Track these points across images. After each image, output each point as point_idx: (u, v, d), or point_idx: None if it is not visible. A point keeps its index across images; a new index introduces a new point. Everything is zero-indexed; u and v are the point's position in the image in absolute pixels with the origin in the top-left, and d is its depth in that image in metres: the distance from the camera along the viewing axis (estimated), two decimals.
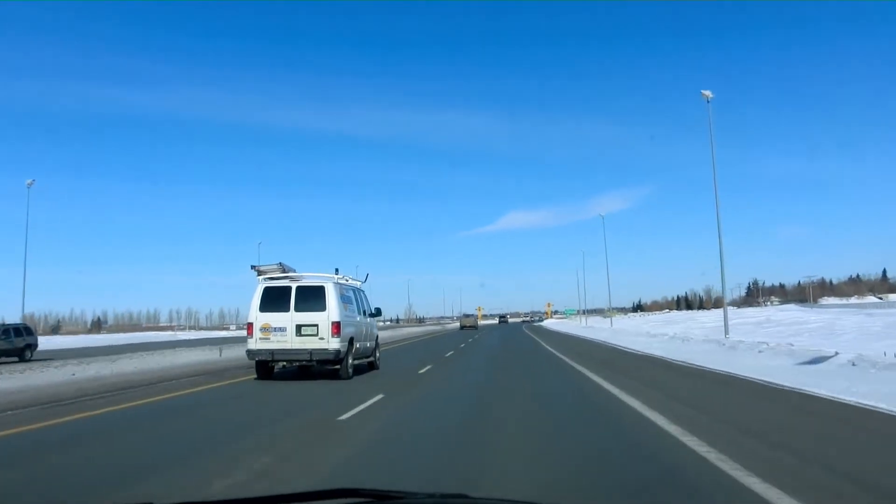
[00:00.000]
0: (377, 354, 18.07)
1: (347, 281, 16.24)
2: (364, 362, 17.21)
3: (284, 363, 14.81)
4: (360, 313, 16.26)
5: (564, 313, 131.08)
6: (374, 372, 16.92)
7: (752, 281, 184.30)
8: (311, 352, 14.22)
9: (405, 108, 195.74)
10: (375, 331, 18.18)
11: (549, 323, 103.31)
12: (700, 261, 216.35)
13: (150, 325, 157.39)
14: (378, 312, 18.27)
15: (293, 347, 14.36)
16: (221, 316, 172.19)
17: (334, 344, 14.30)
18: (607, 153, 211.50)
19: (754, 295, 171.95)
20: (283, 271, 15.42)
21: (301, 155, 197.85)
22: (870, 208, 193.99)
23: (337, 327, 14.35)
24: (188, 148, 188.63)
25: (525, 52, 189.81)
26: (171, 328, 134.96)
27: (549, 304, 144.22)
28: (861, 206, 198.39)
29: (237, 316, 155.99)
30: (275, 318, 14.47)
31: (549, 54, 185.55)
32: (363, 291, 17.60)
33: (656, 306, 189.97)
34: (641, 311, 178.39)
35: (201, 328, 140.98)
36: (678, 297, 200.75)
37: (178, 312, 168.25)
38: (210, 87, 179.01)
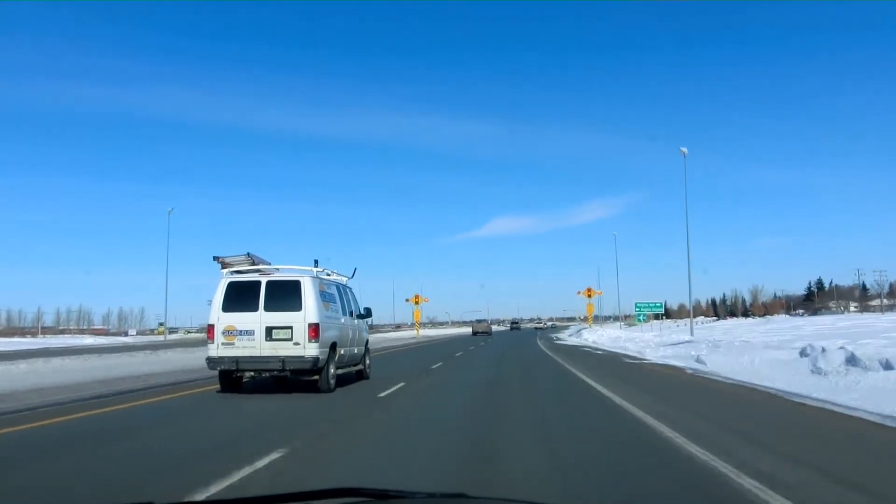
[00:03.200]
0: (367, 361, 15.63)
1: (330, 275, 13.79)
2: (351, 371, 14.79)
3: (252, 373, 12.33)
4: (345, 314, 13.82)
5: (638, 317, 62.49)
6: (363, 383, 14.48)
7: (815, 281, 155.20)
8: (283, 360, 11.79)
9: (394, 112, 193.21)
10: (365, 334, 15.74)
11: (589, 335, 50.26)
12: (700, 261, 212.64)
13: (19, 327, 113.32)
14: (368, 313, 15.82)
15: (262, 354, 11.92)
16: (121, 317, 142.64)
17: (312, 350, 11.87)
18: (599, 160, 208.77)
19: (816, 297, 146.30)
20: (253, 263, 13.02)
21: (286, 157, 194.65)
22: None
23: (315, 330, 11.93)
24: (178, 148, 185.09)
25: (517, 59, 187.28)
26: (62, 331, 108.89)
27: (590, 307, 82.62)
28: None
29: (141, 318, 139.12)
30: (240, 320, 12.04)
31: (542, 61, 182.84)
32: (350, 289, 15.16)
33: (684, 311, 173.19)
34: (668, 317, 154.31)
35: (96, 331, 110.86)
36: (713, 300, 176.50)
37: (68, 312, 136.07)
38: (195, 89, 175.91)
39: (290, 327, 11.93)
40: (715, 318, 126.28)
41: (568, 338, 50.89)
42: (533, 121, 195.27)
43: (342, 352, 13.30)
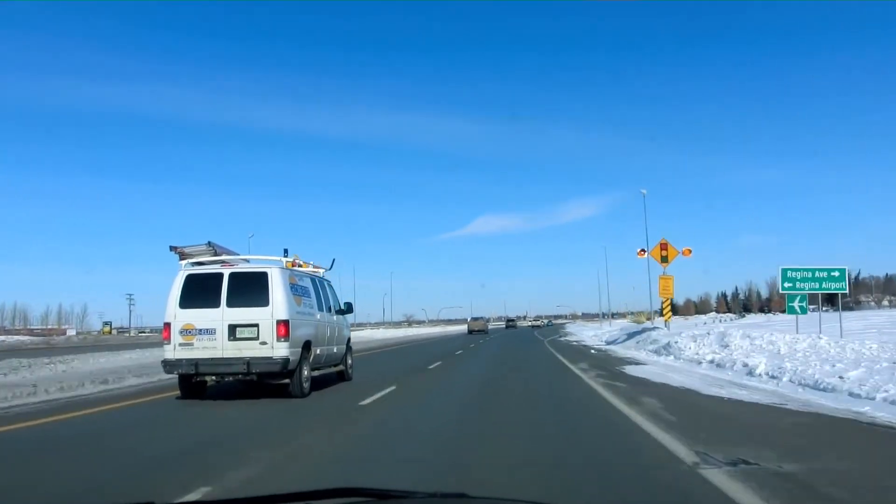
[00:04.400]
0: (349, 362, 14.25)
1: (303, 266, 12.38)
2: (331, 372, 13.43)
3: (213, 378, 10.92)
4: (321, 309, 12.42)
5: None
6: (344, 386, 13.10)
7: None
8: (248, 361, 10.38)
9: (383, 110, 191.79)
10: (346, 332, 14.34)
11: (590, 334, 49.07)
12: (701, 260, 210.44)
13: None
14: (348, 308, 14.41)
15: (224, 356, 10.51)
16: (61, 315, 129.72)
17: (281, 350, 10.48)
18: (587, 158, 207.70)
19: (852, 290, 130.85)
20: (215, 254, 11.61)
21: (272, 155, 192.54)
22: None
23: (285, 328, 10.54)
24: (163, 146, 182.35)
25: (506, 58, 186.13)
26: None
27: (667, 282, 56.25)
28: None
29: (83, 317, 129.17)
30: (200, 317, 10.63)
31: (531, 61, 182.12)
32: (328, 282, 13.77)
33: (691, 307, 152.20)
34: (675, 312, 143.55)
35: (32, 331, 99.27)
36: (723, 294, 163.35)
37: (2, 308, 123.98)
38: (185, 86, 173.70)
39: (256, 325, 10.53)
40: (731, 315, 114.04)
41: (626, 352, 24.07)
42: (519, 119, 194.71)
43: (318, 351, 11.92)
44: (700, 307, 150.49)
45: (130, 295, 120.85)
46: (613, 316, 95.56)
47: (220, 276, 10.84)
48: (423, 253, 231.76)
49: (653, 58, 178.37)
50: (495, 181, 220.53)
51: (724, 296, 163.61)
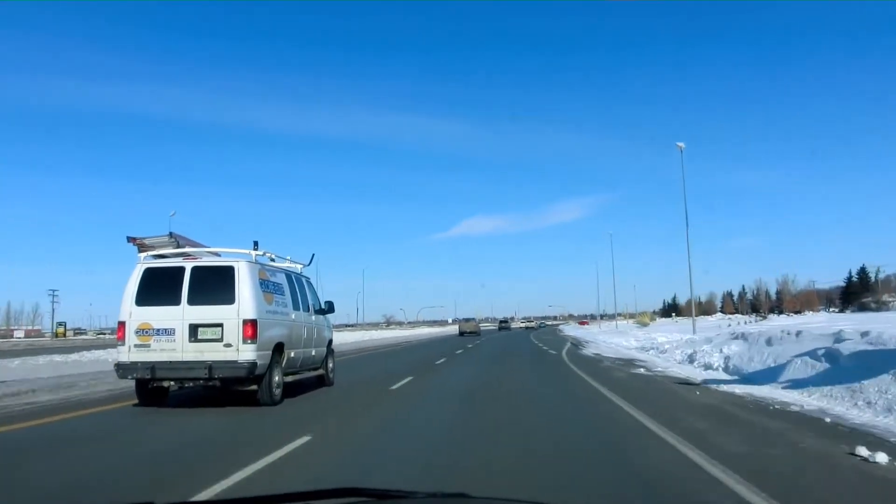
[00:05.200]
0: (330, 365, 13.19)
1: (274, 260, 11.31)
2: (310, 377, 12.41)
3: (172, 383, 9.85)
4: (297, 308, 11.37)
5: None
6: (322, 394, 12.05)
7: (856, 269, 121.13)
8: (210, 365, 9.33)
9: (377, 111, 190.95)
10: (327, 333, 13.29)
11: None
12: (701, 258, 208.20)
13: None
14: (330, 308, 13.35)
15: (185, 359, 9.46)
16: (10, 315, 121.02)
17: (247, 353, 9.43)
18: (576, 159, 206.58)
19: (863, 288, 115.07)
20: (177, 246, 10.55)
21: (257, 154, 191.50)
22: None
23: (252, 328, 9.49)
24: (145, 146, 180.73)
25: (503, 59, 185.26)
26: None
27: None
28: None
29: (34, 317, 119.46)
30: (158, 315, 9.59)
31: (527, 62, 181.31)
32: (307, 279, 12.72)
33: (689, 307, 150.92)
34: (678, 314, 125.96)
35: None
36: (729, 293, 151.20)
37: None
38: (183, 86, 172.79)
39: (221, 325, 9.49)
40: (745, 316, 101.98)
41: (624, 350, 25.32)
42: (508, 120, 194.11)
43: (292, 354, 10.87)
44: (705, 307, 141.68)
45: (54, 291, 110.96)
46: (608, 317, 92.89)
47: (182, 270, 9.79)
48: (409, 253, 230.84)
49: (648, 59, 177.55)
50: (483, 182, 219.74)
51: (730, 295, 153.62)
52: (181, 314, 9.54)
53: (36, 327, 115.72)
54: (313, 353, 12.11)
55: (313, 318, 12.25)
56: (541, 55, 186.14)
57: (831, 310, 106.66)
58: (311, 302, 12.33)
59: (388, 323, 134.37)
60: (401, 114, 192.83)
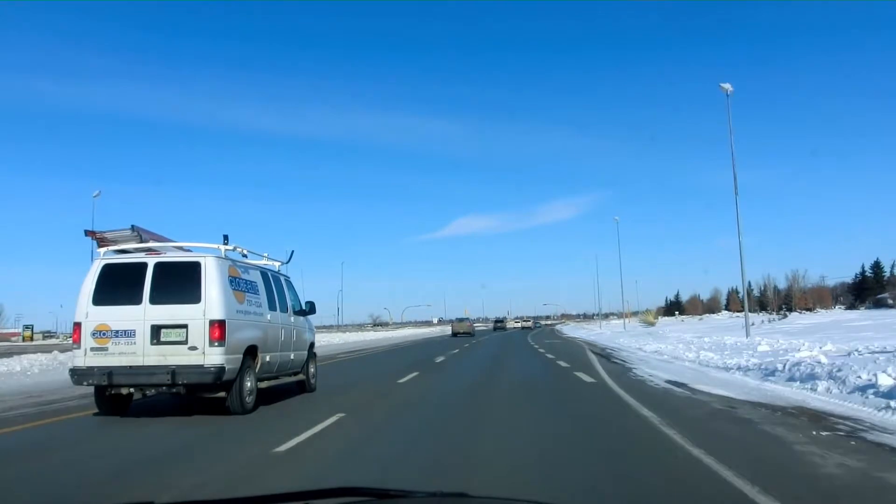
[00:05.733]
0: (311, 370, 12.35)
1: (247, 256, 10.44)
2: (290, 382, 11.60)
3: (131, 390, 8.99)
4: (274, 308, 10.53)
5: None
6: (302, 401, 11.21)
7: (871, 263, 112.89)
8: (173, 370, 8.49)
9: (361, 111, 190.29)
10: (308, 336, 12.45)
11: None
12: (700, 257, 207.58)
13: None
14: (311, 308, 12.51)
15: (145, 363, 8.62)
16: None
17: (214, 357, 8.60)
18: (566, 159, 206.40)
19: (877, 284, 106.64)
20: (141, 240, 9.72)
21: (245, 154, 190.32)
22: None
23: (220, 329, 8.66)
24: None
25: (487, 60, 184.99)
26: None
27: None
28: None
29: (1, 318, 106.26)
30: (117, 316, 8.75)
31: (509, 61, 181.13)
32: (286, 278, 11.88)
33: (695, 305, 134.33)
34: (680, 312, 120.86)
35: None
36: (734, 290, 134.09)
37: None
38: (162, 87, 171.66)
39: (185, 325, 8.66)
40: (764, 315, 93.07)
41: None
42: (497, 120, 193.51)
43: (268, 358, 10.04)
44: (710, 305, 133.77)
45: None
46: (601, 316, 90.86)
47: (144, 266, 8.96)
48: (401, 253, 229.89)
49: (638, 59, 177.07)
50: (475, 182, 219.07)
51: (736, 292, 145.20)
52: (142, 314, 8.71)
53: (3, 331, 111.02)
54: (292, 356, 11.28)
55: (292, 319, 11.42)
56: (535, 55, 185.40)
57: (837, 307, 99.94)
58: (290, 302, 11.50)
59: (375, 324, 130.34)
60: (391, 113, 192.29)
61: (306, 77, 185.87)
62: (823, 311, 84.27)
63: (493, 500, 2.33)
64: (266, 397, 10.41)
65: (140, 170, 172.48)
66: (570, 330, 72.64)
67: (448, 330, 68.84)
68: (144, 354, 8.62)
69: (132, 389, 8.83)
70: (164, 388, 8.67)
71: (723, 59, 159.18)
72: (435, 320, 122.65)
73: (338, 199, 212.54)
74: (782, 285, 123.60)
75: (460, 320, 65.96)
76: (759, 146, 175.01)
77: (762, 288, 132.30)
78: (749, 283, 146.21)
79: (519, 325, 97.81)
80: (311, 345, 12.59)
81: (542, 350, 28.01)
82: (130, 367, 8.59)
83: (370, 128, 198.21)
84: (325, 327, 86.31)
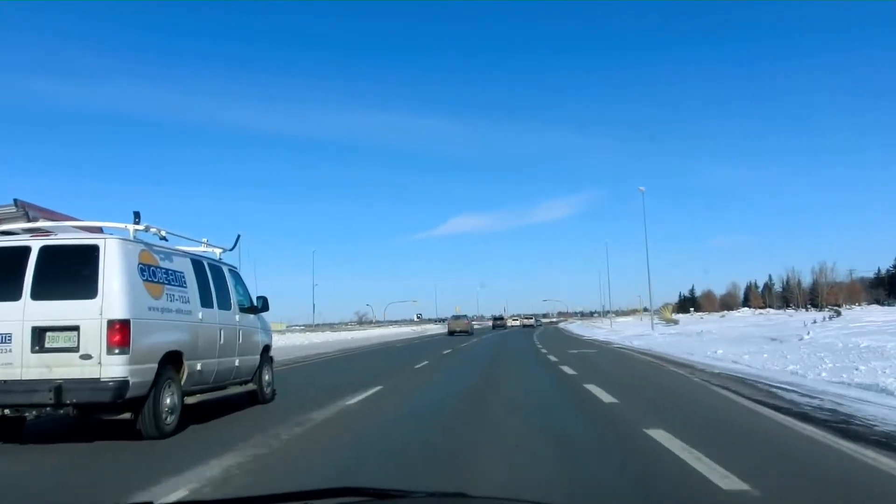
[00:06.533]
0: (267, 378, 10.37)
1: (167, 239, 8.29)
2: (240, 392, 9.66)
3: (6, 412, 6.98)
4: (209, 304, 8.52)
5: None
6: (252, 417, 9.22)
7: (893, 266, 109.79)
8: (59, 386, 6.48)
9: (361, 111, 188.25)
10: (261, 337, 10.44)
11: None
12: (700, 256, 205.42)
13: None
14: (263, 305, 10.50)
15: (24, 377, 6.62)
16: None
17: (115, 368, 6.60)
18: (561, 158, 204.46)
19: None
20: (28, 219, 7.69)
21: (242, 153, 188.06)
22: None
23: (122, 332, 6.66)
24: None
25: (484, 59, 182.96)
26: None
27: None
28: None
29: None
30: None
31: (508, 61, 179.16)
32: (230, 267, 9.86)
33: (710, 301, 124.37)
34: (696, 308, 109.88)
35: None
36: (753, 283, 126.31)
37: None
38: (161, 87, 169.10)
39: (77, 327, 6.65)
40: (773, 311, 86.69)
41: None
42: (496, 119, 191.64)
43: (198, 367, 8.05)
44: (726, 300, 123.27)
45: None
46: (600, 314, 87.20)
47: (26, 251, 6.94)
48: (398, 252, 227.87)
49: (638, 59, 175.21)
50: (471, 181, 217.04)
51: (756, 286, 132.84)
52: (21, 313, 6.70)
53: None
54: (237, 362, 9.28)
55: (237, 317, 9.41)
56: (534, 54, 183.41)
57: (863, 304, 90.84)
58: (234, 298, 9.49)
59: (361, 321, 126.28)
60: (390, 113, 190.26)
61: (306, 77, 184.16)
62: (857, 307, 76.72)
63: (493, 500, 2.37)
64: (209, 411, 8.46)
65: (140, 170, 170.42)
66: (580, 329, 63.69)
67: (442, 329, 66.18)
68: (23, 366, 6.62)
69: (6, 411, 6.81)
70: (47, 409, 6.65)
71: (723, 59, 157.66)
72: (415, 317, 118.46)
73: (337, 199, 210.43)
74: (807, 280, 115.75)
75: (457, 318, 60.65)
76: (758, 145, 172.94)
77: (784, 282, 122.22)
78: (770, 276, 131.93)
79: (519, 323, 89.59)
80: (267, 348, 10.61)
81: (541, 349, 21.51)
82: (5, 381, 6.60)
83: (370, 127, 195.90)
84: (293, 327, 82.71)
